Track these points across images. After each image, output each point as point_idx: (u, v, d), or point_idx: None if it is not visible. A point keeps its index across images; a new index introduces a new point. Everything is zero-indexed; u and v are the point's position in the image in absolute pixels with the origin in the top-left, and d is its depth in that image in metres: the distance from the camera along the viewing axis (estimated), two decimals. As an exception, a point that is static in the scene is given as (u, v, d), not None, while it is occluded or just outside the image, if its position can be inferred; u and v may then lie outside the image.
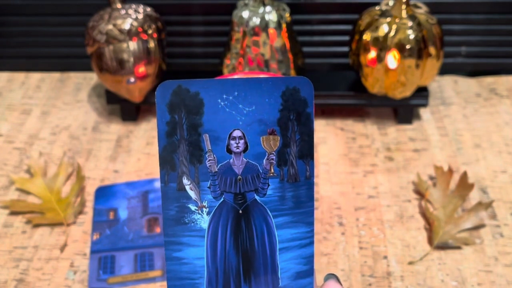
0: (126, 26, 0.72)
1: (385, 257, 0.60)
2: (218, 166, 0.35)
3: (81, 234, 0.64)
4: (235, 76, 0.50)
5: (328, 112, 0.80)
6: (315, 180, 0.69)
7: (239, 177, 0.35)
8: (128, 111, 0.79)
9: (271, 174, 0.35)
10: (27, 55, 0.89)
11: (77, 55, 0.87)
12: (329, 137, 0.76)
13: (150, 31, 0.73)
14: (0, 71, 0.90)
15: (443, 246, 0.61)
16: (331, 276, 0.36)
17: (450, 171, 0.66)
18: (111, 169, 0.72)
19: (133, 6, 0.74)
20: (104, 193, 0.68)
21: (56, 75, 0.89)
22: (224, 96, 0.34)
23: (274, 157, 0.34)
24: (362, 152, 0.73)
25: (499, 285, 0.57)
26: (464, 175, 0.65)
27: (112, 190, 0.68)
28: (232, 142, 0.34)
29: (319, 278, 0.58)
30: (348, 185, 0.69)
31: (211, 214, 0.35)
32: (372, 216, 0.65)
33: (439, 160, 0.72)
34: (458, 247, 0.61)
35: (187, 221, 0.35)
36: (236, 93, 0.34)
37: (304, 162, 0.35)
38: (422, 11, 0.73)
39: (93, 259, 0.61)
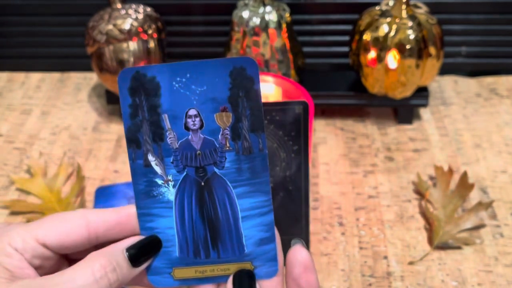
0: (126, 26, 0.72)
1: (385, 257, 0.60)
2: (179, 143, 0.37)
3: (81, 234, 0.64)
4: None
5: (328, 112, 0.80)
6: (315, 180, 0.69)
7: (198, 152, 0.37)
8: (128, 111, 0.79)
9: (227, 148, 0.37)
10: (27, 55, 0.89)
11: (77, 55, 0.87)
12: (329, 137, 0.76)
13: (150, 31, 0.73)
14: (0, 71, 0.90)
15: (443, 246, 0.61)
16: (297, 241, 0.38)
17: (450, 171, 0.66)
18: (111, 169, 0.72)
19: (133, 6, 0.74)
20: (104, 193, 0.68)
21: (56, 75, 0.89)
22: (178, 79, 0.36)
23: (228, 132, 0.37)
24: (362, 152, 0.73)
25: (499, 285, 0.57)
26: (464, 175, 0.65)
27: (112, 190, 0.68)
28: (189, 120, 0.37)
29: (318, 278, 0.58)
30: (348, 185, 0.69)
31: (177, 187, 0.37)
32: (372, 216, 0.65)
33: (439, 160, 0.72)
34: (458, 247, 0.61)
35: (155, 194, 0.37)
36: (188, 75, 0.36)
37: (256, 135, 0.37)
38: (422, 11, 0.73)
39: (93, 259, 0.61)
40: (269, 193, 0.37)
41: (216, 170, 0.37)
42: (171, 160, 0.37)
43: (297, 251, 0.37)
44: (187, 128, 0.37)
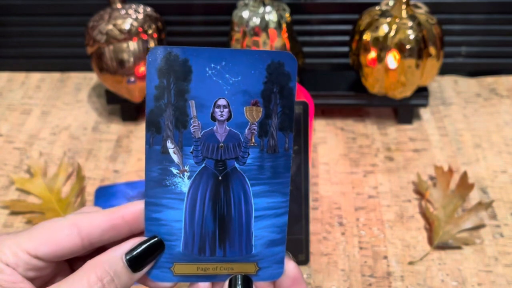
0: (126, 26, 0.72)
1: (385, 257, 0.60)
2: (202, 133, 0.35)
3: (81, 234, 0.64)
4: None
5: (328, 112, 0.80)
6: (315, 180, 0.69)
7: (221, 144, 0.36)
8: (128, 111, 0.79)
9: (252, 144, 0.36)
10: (27, 55, 0.89)
11: (77, 55, 0.87)
12: (329, 137, 0.76)
13: (150, 31, 0.73)
14: (0, 71, 0.90)
15: (443, 246, 0.61)
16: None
17: (450, 171, 0.66)
18: (111, 169, 0.72)
19: (133, 6, 0.74)
20: (104, 193, 0.68)
21: (56, 75, 0.89)
22: (212, 65, 0.35)
23: (255, 127, 0.35)
24: (362, 152, 0.73)
25: (499, 285, 0.57)
26: (464, 175, 0.65)
27: (112, 190, 0.68)
28: (217, 110, 0.35)
29: (318, 278, 0.58)
30: (348, 185, 0.69)
31: (192, 179, 0.36)
32: (372, 216, 0.65)
33: (439, 160, 0.72)
34: (458, 247, 0.61)
35: (168, 184, 0.36)
36: (223, 62, 0.35)
37: (284, 134, 0.36)
38: (422, 11, 0.73)
39: (93, 259, 0.61)
40: (288, 194, 0.36)
41: (236, 165, 0.36)
42: (191, 150, 0.35)
43: (285, 264, 0.36)
44: (213, 118, 0.35)
